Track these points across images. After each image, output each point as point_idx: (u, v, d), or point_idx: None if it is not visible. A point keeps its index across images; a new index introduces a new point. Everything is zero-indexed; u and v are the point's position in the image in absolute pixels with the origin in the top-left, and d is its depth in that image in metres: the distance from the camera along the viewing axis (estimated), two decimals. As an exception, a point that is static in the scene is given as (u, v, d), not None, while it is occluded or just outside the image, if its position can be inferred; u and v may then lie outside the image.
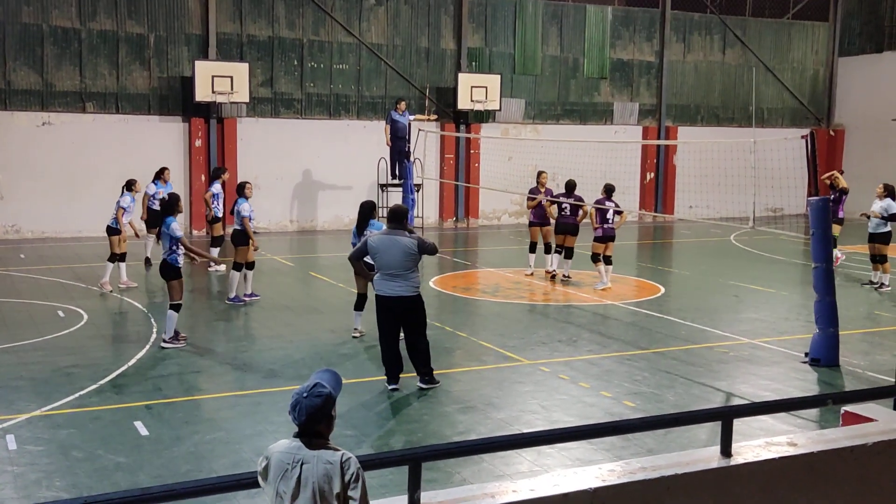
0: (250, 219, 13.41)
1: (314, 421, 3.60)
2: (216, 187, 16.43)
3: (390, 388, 9.08)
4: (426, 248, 8.97)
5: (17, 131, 20.38)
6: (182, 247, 10.73)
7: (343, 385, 3.87)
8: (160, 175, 16.57)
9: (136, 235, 15.37)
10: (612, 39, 26.66)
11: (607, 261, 14.93)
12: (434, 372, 9.25)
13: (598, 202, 14.93)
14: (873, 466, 5.34)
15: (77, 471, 6.91)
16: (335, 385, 3.68)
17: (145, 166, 21.17)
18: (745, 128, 28.06)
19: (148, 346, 10.69)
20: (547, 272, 16.09)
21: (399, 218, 9.06)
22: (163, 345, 10.64)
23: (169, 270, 10.70)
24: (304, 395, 3.58)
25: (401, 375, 9.18)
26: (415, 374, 9.21)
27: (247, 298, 13.51)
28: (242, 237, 13.33)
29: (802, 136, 10.96)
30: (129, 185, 14.78)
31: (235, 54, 22.06)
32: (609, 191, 15.00)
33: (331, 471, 3.55)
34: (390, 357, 9.10)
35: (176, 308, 10.67)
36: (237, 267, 13.40)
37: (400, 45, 23.95)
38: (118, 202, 14.60)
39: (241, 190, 13.78)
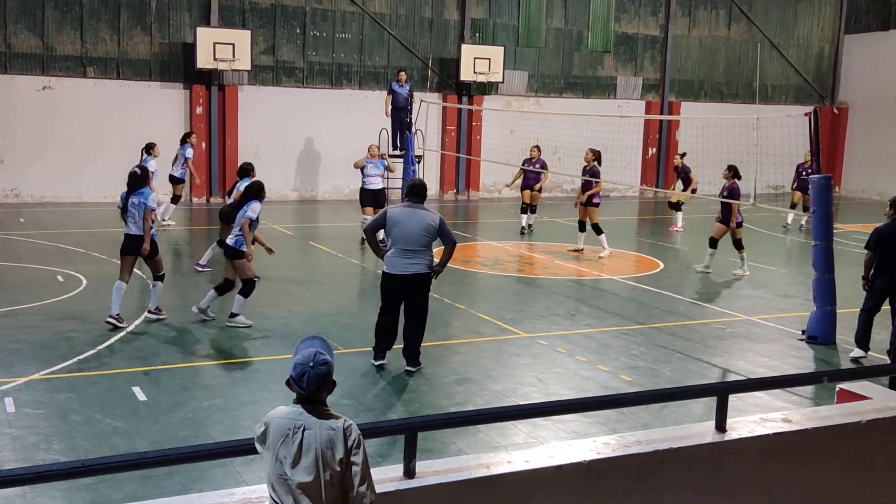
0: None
1: (321, 389, 3.64)
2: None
3: (377, 363, 8.76)
4: (446, 232, 8.55)
5: (17, 95, 20.27)
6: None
7: (341, 355, 3.89)
8: None
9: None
10: (616, 13, 26.44)
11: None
12: (432, 344, 9.24)
13: (731, 191, 14.07)
14: (867, 444, 5.37)
15: (75, 434, 6.95)
16: (329, 351, 3.72)
17: (146, 132, 21.10)
18: (749, 104, 27.92)
19: (146, 313, 10.70)
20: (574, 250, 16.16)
21: (420, 192, 8.62)
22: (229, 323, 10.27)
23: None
24: (311, 364, 3.61)
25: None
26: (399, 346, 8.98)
27: (199, 268, 13.18)
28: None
29: (806, 114, 10.93)
30: (149, 149, 15.57)
31: (237, 21, 21.89)
32: (734, 171, 14.27)
33: (334, 437, 3.59)
34: (386, 331, 8.74)
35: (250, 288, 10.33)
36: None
37: (403, 15, 23.76)
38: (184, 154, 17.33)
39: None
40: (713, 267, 14.52)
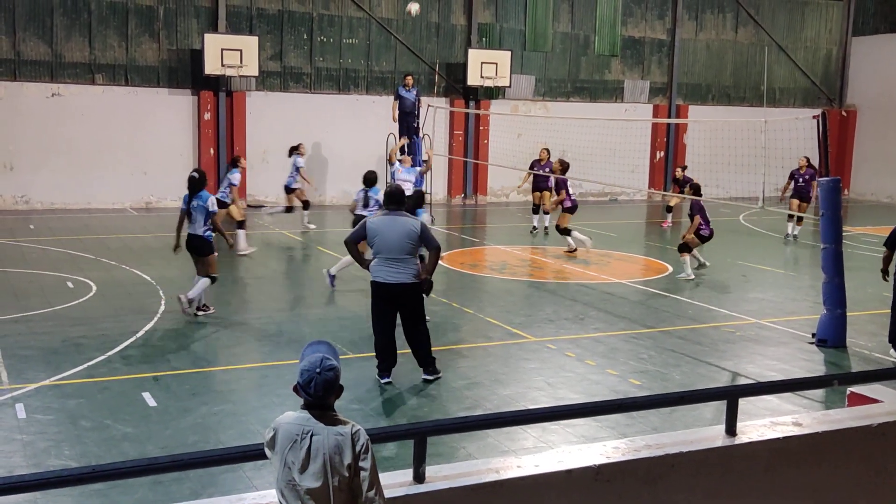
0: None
1: (328, 394, 3.64)
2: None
3: (383, 381, 8.45)
4: (429, 238, 8.33)
5: (26, 102, 20.37)
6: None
7: (349, 360, 3.89)
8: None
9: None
10: (623, 17, 26.44)
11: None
12: (440, 348, 9.24)
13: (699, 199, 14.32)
14: (878, 447, 5.35)
15: (85, 440, 6.97)
16: (336, 356, 3.72)
17: (154, 139, 21.27)
18: (757, 107, 27.85)
19: (156, 318, 10.73)
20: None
21: (398, 199, 8.41)
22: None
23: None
24: (318, 370, 3.61)
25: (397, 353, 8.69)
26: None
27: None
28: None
29: (814, 117, 10.92)
30: (235, 162, 15.59)
31: (245, 27, 21.97)
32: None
33: (342, 442, 3.59)
34: (386, 347, 8.45)
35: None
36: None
37: (410, 20, 23.80)
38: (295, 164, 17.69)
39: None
40: (710, 262, 14.62)
